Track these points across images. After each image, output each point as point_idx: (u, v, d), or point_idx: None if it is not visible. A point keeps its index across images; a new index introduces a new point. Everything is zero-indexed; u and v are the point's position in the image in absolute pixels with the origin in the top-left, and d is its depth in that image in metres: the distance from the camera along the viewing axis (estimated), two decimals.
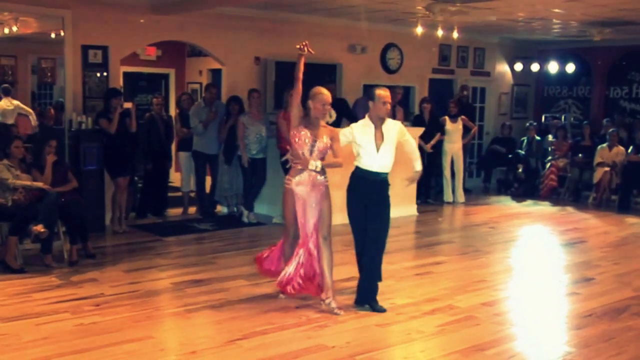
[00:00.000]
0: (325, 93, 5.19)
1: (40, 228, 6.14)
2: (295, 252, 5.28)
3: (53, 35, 10.36)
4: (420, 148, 9.94)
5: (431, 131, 10.17)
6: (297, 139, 5.17)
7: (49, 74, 12.77)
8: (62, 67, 8.88)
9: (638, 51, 12.34)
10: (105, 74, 8.56)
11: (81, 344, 4.44)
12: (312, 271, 5.27)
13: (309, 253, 5.24)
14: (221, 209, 9.42)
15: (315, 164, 5.15)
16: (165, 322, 5.05)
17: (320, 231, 5.24)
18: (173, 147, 9.52)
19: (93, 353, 4.29)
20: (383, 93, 5.24)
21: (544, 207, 10.80)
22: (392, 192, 5.37)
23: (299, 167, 5.19)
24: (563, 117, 13.30)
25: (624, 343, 4.70)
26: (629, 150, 10.76)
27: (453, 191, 10.92)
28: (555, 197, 11.48)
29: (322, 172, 5.23)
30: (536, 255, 7.68)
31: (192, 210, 9.37)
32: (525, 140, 12.26)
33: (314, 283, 5.29)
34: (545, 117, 13.54)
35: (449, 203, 10.79)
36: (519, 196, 11.66)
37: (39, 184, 6.52)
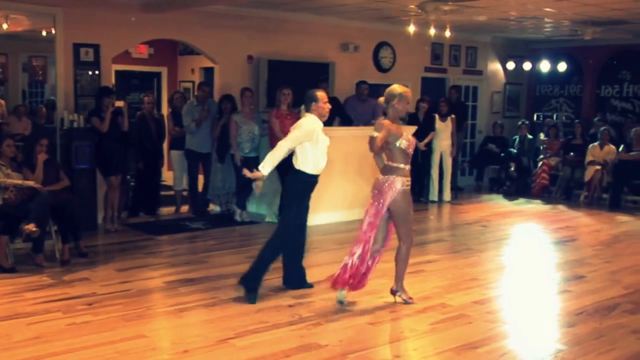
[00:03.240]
0: (409, 92, 5.27)
1: (31, 227, 6.11)
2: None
3: (44, 33, 10.30)
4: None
5: (425, 130, 10.18)
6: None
7: (40, 72, 12.67)
8: (54, 66, 8.83)
9: (629, 50, 12.40)
10: (96, 72, 8.52)
11: (73, 343, 4.42)
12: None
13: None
14: (214, 208, 9.40)
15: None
16: (157, 321, 5.04)
17: None
18: (165, 145, 9.49)
19: (85, 352, 4.28)
20: (324, 94, 5.54)
21: (536, 206, 10.84)
22: None
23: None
24: (555, 116, 13.37)
25: (614, 340, 4.73)
26: (620, 149, 10.82)
27: (441, 190, 10.92)
28: (547, 195, 11.52)
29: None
30: (528, 254, 7.71)
31: (185, 209, 9.34)
32: (517, 139, 12.29)
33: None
34: (537, 116, 13.59)
35: (433, 202, 10.79)
36: (511, 194, 11.70)
37: (30, 183, 6.49)
